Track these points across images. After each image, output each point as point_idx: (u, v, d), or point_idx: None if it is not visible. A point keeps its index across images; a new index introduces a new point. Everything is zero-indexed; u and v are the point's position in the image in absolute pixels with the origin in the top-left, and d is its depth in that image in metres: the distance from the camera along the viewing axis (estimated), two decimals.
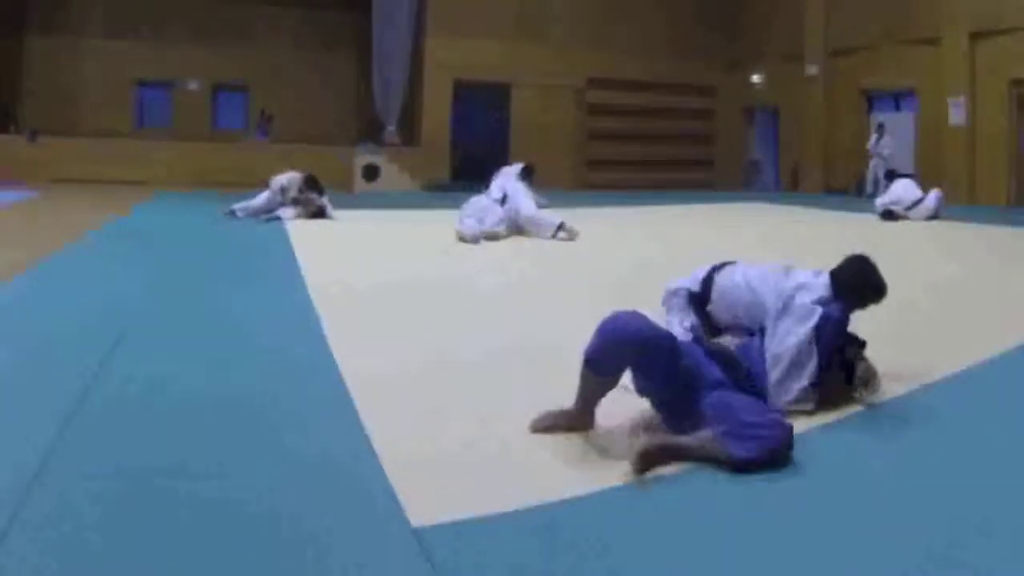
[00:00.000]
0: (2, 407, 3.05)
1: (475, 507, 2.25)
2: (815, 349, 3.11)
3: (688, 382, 2.85)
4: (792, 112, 19.79)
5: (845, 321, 3.29)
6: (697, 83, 21.31)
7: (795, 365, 3.07)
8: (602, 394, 2.84)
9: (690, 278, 3.79)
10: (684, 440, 2.63)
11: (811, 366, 3.09)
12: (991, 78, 15.28)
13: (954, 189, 15.65)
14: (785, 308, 3.22)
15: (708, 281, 3.59)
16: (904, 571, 1.98)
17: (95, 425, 2.84)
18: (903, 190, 12.11)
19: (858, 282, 3.39)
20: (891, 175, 13.04)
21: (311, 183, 10.59)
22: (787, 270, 3.46)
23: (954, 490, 2.47)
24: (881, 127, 16.22)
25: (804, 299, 3.22)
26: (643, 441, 2.56)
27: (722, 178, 21.32)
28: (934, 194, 11.95)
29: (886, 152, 15.91)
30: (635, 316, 2.77)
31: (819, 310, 3.19)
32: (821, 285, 3.34)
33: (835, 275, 3.41)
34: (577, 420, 2.86)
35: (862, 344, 3.35)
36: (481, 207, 9.12)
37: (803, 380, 3.07)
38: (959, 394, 3.53)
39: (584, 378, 2.79)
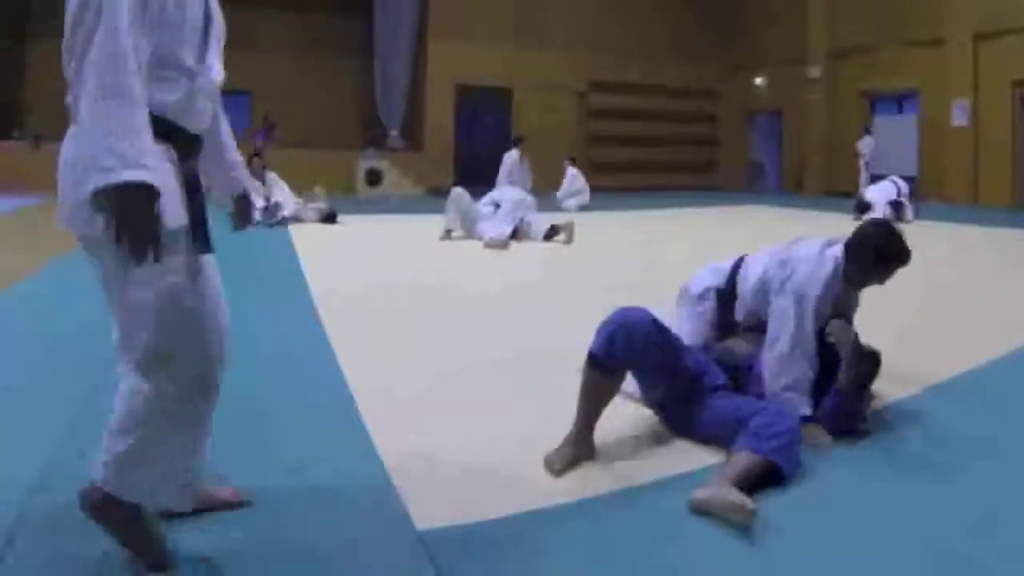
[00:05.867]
0: (8, 412, 3.05)
1: (480, 511, 2.25)
2: (805, 328, 2.96)
3: (690, 384, 2.84)
4: (795, 115, 19.82)
5: (823, 293, 3.04)
6: (700, 86, 21.36)
7: (792, 350, 2.93)
8: (603, 404, 2.73)
9: (710, 272, 3.51)
10: (730, 475, 2.40)
11: (804, 358, 2.95)
12: (994, 79, 15.27)
13: (957, 191, 15.69)
14: (771, 281, 3.11)
15: (733, 275, 3.41)
16: (914, 572, 1.98)
17: (100, 430, 2.82)
18: (890, 187, 12.12)
19: (868, 248, 3.09)
20: (861, 208, 11.92)
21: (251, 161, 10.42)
22: (792, 243, 3.29)
23: (960, 491, 2.46)
24: (867, 129, 16.08)
25: (783, 274, 3.06)
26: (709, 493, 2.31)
27: (725, 181, 21.34)
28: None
29: (866, 151, 15.83)
30: (643, 309, 2.76)
31: (790, 292, 3.01)
32: (825, 256, 3.11)
33: (848, 243, 3.17)
34: (579, 447, 2.68)
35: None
36: (470, 208, 9.11)
37: (803, 367, 2.93)
38: (966, 396, 3.51)
39: (586, 385, 2.71)
